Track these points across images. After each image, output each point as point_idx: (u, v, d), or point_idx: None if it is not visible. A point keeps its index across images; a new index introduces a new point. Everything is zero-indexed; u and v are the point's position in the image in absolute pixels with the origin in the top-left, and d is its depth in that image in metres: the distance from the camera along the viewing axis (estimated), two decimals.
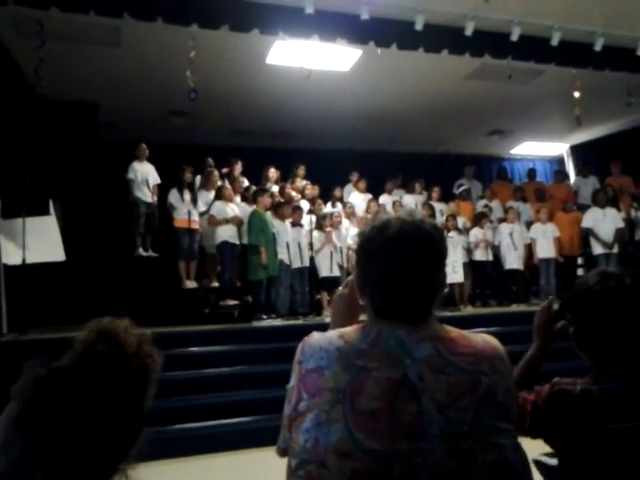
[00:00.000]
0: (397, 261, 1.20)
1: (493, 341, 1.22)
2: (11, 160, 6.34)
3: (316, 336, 1.24)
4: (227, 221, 7.53)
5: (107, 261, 7.65)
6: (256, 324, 7.00)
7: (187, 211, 7.80)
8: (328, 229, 8.17)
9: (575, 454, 1.36)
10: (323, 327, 1.30)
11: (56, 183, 6.77)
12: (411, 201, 9.74)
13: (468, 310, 8.32)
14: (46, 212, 6.23)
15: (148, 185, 8.28)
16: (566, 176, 12.10)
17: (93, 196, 7.84)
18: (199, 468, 4.50)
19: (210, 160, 8.68)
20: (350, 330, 1.23)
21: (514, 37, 6.82)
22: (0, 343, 5.35)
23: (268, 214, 7.66)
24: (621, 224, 8.91)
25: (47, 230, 6.34)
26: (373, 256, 1.23)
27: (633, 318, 1.40)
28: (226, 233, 7.52)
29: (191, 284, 7.85)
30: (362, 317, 1.37)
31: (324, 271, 8.05)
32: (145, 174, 8.29)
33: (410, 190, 10.25)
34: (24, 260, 5.92)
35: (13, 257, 5.94)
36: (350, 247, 8.42)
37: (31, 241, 6.01)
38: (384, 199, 9.84)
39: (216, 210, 7.61)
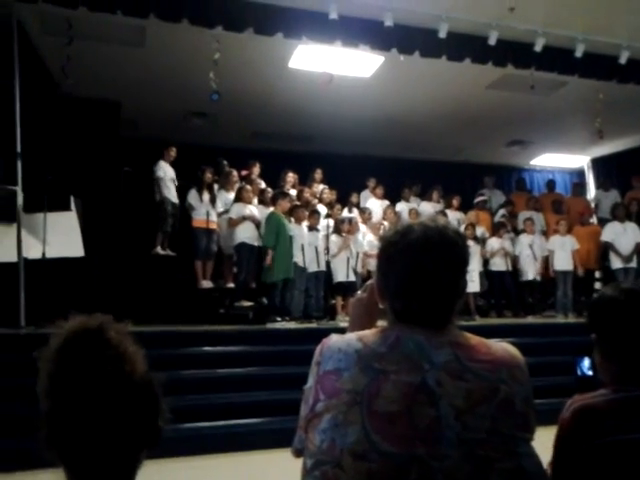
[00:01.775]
0: (419, 266, 1.20)
1: (513, 350, 1.22)
2: (35, 156, 6.43)
3: (335, 338, 1.25)
4: (245, 219, 7.57)
5: (125, 258, 7.71)
6: (270, 326, 7.02)
7: (206, 211, 7.86)
8: (345, 234, 8.17)
9: (593, 467, 1.35)
10: (337, 331, 1.31)
11: (77, 180, 6.85)
12: (428, 209, 9.72)
13: (476, 320, 8.26)
14: (67, 208, 6.31)
15: (175, 185, 8.36)
16: (584, 189, 12.00)
17: (113, 193, 7.91)
18: (210, 467, 4.52)
19: (224, 161, 8.73)
20: (369, 333, 1.23)
21: (538, 47, 6.79)
22: (18, 336, 5.41)
23: (285, 217, 7.69)
24: None
25: (67, 226, 6.42)
26: (395, 260, 1.23)
27: None
28: (245, 234, 7.56)
29: (207, 284, 7.90)
30: (379, 322, 1.37)
31: (340, 276, 8.05)
32: (171, 174, 8.38)
33: (427, 198, 10.23)
34: (44, 254, 6.00)
35: (33, 251, 6.02)
36: (366, 253, 8.42)
37: (51, 236, 6.09)
38: (401, 206, 9.83)
39: (234, 212, 7.66)
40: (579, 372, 1.60)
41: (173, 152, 8.47)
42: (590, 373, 1.58)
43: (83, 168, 7.35)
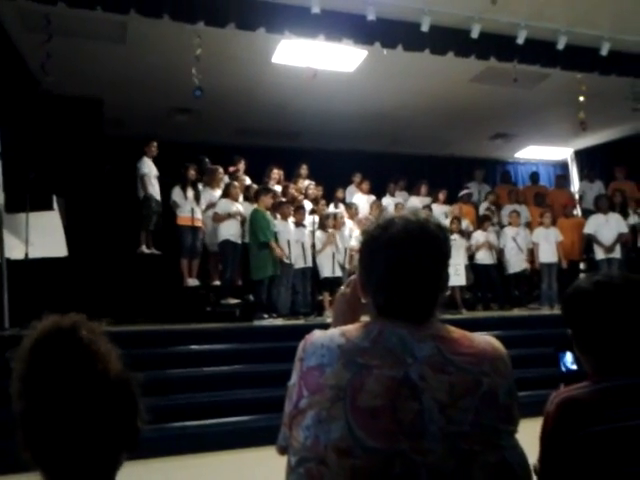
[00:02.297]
0: (401, 260, 1.20)
1: (495, 342, 1.22)
2: (16, 155, 6.35)
3: (318, 334, 1.24)
4: (230, 216, 7.53)
5: (109, 258, 7.66)
6: (257, 323, 7.01)
7: (190, 209, 7.82)
8: (330, 230, 8.17)
9: (578, 458, 1.35)
10: (324, 327, 1.30)
11: (60, 178, 6.78)
12: (417, 203, 9.74)
13: (463, 314, 8.30)
14: (50, 207, 6.24)
15: (158, 182, 8.31)
16: (568, 181, 12.10)
17: (97, 192, 7.84)
18: (197, 466, 4.50)
19: (207, 159, 8.69)
20: (352, 328, 1.23)
21: (520, 40, 6.81)
22: (2, 337, 5.35)
23: (269, 213, 7.67)
24: (624, 229, 8.91)
25: (50, 225, 6.35)
26: (377, 254, 1.23)
27: (624, 315, 1.40)
28: (228, 232, 7.53)
29: (193, 282, 7.86)
30: (363, 318, 1.36)
31: (326, 272, 8.05)
32: (155, 171, 8.33)
33: (415, 192, 10.26)
34: (27, 255, 5.93)
35: (16, 251, 5.95)
36: (353, 248, 8.43)
37: (34, 236, 6.02)
38: (387, 201, 9.86)
39: (220, 208, 7.63)
40: (563, 368, 1.59)
41: (154, 147, 8.41)
42: (574, 367, 1.58)
43: (66, 167, 7.27)
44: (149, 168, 8.22)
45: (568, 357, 1.57)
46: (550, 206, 10.05)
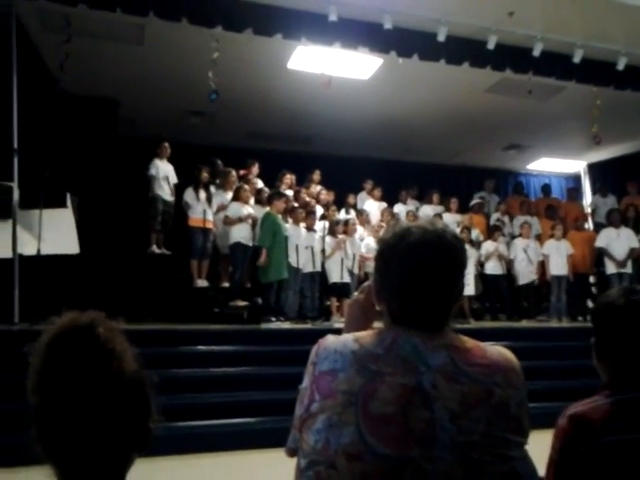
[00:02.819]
0: (417, 269, 1.20)
1: (508, 354, 1.23)
2: (31, 152, 6.42)
3: (331, 339, 1.25)
4: (241, 219, 7.57)
5: (120, 257, 7.70)
6: (265, 326, 7.02)
7: (202, 210, 7.86)
8: (341, 236, 8.18)
9: (590, 469, 1.36)
10: (331, 332, 1.31)
11: (74, 177, 6.84)
12: (429, 212, 9.74)
13: (471, 323, 8.28)
14: (63, 205, 6.29)
15: (168, 183, 8.37)
16: (579, 194, 12.05)
17: (110, 191, 7.90)
18: (203, 466, 4.51)
19: (219, 161, 8.73)
20: (366, 334, 1.24)
21: (536, 52, 6.82)
22: (11, 332, 5.40)
23: (281, 217, 7.69)
24: (636, 244, 8.86)
25: (63, 223, 6.40)
26: (393, 262, 1.24)
27: None
28: (240, 234, 7.56)
29: (202, 283, 7.89)
30: (376, 324, 1.37)
31: (334, 277, 8.06)
32: (166, 172, 8.39)
33: (427, 201, 10.26)
34: (39, 251, 5.98)
35: (28, 247, 6.00)
36: (363, 255, 8.44)
37: (47, 233, 6.07)
38: (399, 208, 9.86)
39: (231, 211, 7.66)
40: None
41: (167, 148, 8.46)
42: None
43: (80, 165, 7.34)
44: (157, 169, 8.27)
45: None
46: (562, 219, 10.02)
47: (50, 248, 6.11)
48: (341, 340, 1.23)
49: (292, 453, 1.25)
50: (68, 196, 6.38)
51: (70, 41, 6.28)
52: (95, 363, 0.97)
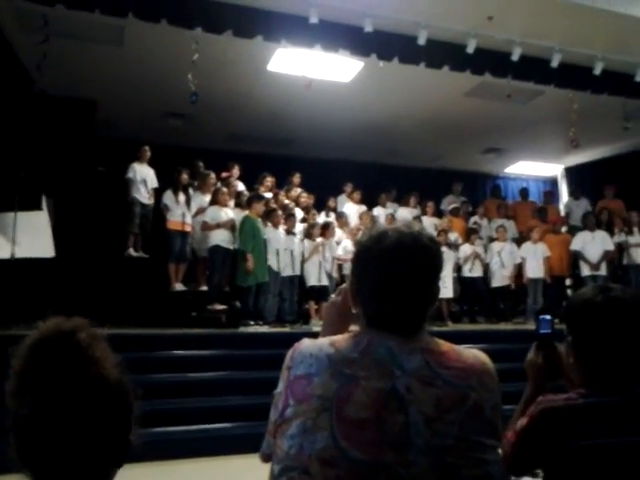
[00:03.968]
0: (392, 271, 1.20)
1: (483, 357, 1.22)
2: (6, 153, 6.31)
3: (307, 342, 1.24)
4: (219, 226, 7.52)
5: (97, 260, 7.60)
6: (243, 330, 6.98)
7: (181, 213, 7.80)
8: (319, 239, 8.17)
9: (559, 470, 1.36)
10: (310, 336, 1.30)
11: (50, 179, 6.74)
12: (406, 214, 9.78)
13: (449, 326, 8.31)
14: (38, 207, 6.20)
15: (146, 186, 8.29)
16: (556, 197, 12.20)
17: (87, 194, 7.81)
18: (180, 472, 4.47)
19: (201, 163, 8.69)
20: (341, 338, 1.23)
21: (515, 57, 6.88)
22: None
23: (260, 220, 7.66)
24: (610, 246, 8.98)
25: (38, 225, 6.31)
26: (369, 265, 1.23)
27: (629, 333, 1.41)
28: (219, 237, 7.51)
29: (180, 287, 7.82)
30: (353, 327, 1.36)
31: (312, 280, 8.04)
32: (144, 175, 8.32)
33: (404, 204, 10.30)
34: (13, 254, 5.88)
35: (2, 251, 5.90)
36: (340, 257, 8.44)
37: (21, 236, 5.97)
38: (378, 211, 9.88)
39: (209, 216, 7.60)
40: (540, 330, 1.64)
41: (147, 152, 8.41)
42: (548, 331, 1.61)
43: (56, 167, 7.23)
44: (134, 173, 8.22)
45: (547, 318, 1.60)
46: (544, 221, 10.10)
47: (25, 251, 6.02)
48: (317, 344, 1.22)
49: (266, 458, 1.24)
50: (44, 198, 6.28)
51: (48, 41, 6.19)
52: (74, 370, 0.96)
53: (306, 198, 9.13)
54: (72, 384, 0.95)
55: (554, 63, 7.04)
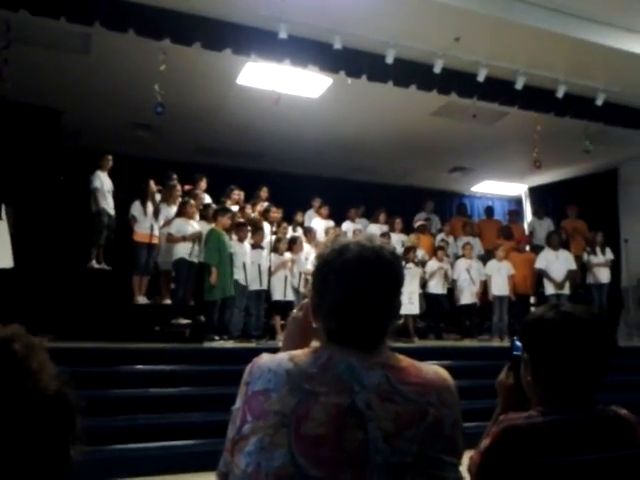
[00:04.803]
0: (353, 286, 1.18)
1: (443, 373, 1.21)
2: None
3: (265, 357, 1.22)
4: (185, 239, 7.44)
5: (58, 271, 7.42)
6: (207, 345, 6.88)
7: (149, 225, 7.67)
8: (287, 253, 8.14)
9: None
10: (275, 351, 1.27)
11: (10, 187, 6.57)
12: (375, 230, 9.84)
13: (415, 342, 8.34)
14: None
15: (112, 196, 8.16)
16: (521, 216, 12.44)
17: (48, 203, 7.64)
18: None
19: (174, 174, 8.60)
20: (301, 353, 1.20)
21: (480, 78, 7.01)
22: None
23: (225, 234, 7.59)
24: (573, 266, 9.16)
25: None
26: (329, 279, 1.21)
27: (584, 348, 1.42)
28: (184, 250, 7.42)
29: (143, 300, 7.69)
30: (314, 342, 1.34)
31: (277, 294, 8.00)
32: (109, 185, 8.18)
33: (374, 220, 10.36)
34: None
35: None
36: (308, 272, 8.41)
37: None
38: (347, 226, 9.92)
39: (175, 228, 7.51)
40: (514, 352, 1.64)
41: (109, 161, 8.28)
42: (519, 354, 1.62)
43: (17, 176, 7.07)
44: (101, 182, 8.07)
45: (518, 344, 1.61)
46: (509, 239, 10.27)
47: None
48: (276, 359, 1.20)
49: (224, 477, 1.20)
50: (3, 207, 6.12)
51: (9, 47, 6.07)
52: (8, 383, 0.90)
53: (275, 212, 9.11)
54: (5, 398, 0.90)
55: (518, 85, 7.19)
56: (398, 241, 9.52)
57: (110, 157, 8.28)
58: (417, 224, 10.52)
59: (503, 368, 1.71)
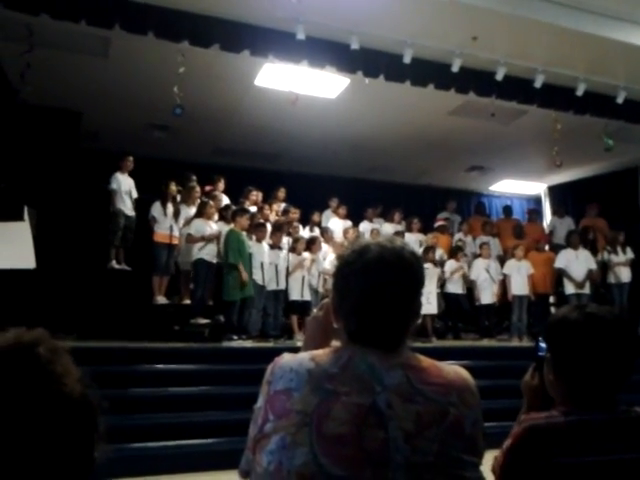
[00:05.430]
0: (374, 286, 1.19)
1: (464, 373, 1.22)
2: None
3: (287, 357, 1.23)
4: (204, 239, 7.49)
5: (79, 272, 7.52)
6: (226, 344, 6.92)
7: (169, 226, 7.76)
8: (305, 253, 8.16)
9: None
10: (293, 351, 1.29)
11: (33, 189, 6.67)
12: (390, 230, 9.83)
13: (433, 342, 8.31)
14: (20, 218, 6.11)
15: (130, 197, 8.24)
16: (540, 215, 12.32)
17: (70, 205, 7.74)
18: None
19: (193, 175, 8.66)
20: (322, 353, 1.21)
21: (499, 77, 6.96)
22: None
23: (244, 234, 7.64)
24: (593, 265, 9.05)
25: (19, 236, 6.20)
26: (350, 280, 1.22)
27: (608, 350, 1.41)
28: (203, 251, 7.47)
29: (162, 300, 7.76)
30: (335, 342, 1.35)
31: (294, 294, 8.02)
32: (128, 186, 8.27)
33: (389, 219, 10.34)
34: None
35: None
36: (326, 272, 8.43)
37: (1, 246, 5.89)
38: (364, 226, 9.92)
39: (194, 229, 7.57)
40: (538, 353, 1.63)
41: (130, 162, 8.37)
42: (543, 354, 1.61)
43: (40, 178, 7.17)
44: (118, 184, 8.17)
45: (542, 345, 1.60)
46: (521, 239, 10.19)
47: (5, 262, 5.92)
48: (297, 359, 1.21)
49: (245, 475, 1.22)
50: (26, 209, 6.20)
51: (32, 51, 6.16)
52: (32, 385, 0.92)
53: (294, 212, 9.12)
54: (31, 402, 0.90)
55: (537, 83, 7.13)
56: (415, 241, 9.48)
57: (131, 158, 8.38)
58: (437, 224, 10.47)
59: (527, 369, 1.70)
